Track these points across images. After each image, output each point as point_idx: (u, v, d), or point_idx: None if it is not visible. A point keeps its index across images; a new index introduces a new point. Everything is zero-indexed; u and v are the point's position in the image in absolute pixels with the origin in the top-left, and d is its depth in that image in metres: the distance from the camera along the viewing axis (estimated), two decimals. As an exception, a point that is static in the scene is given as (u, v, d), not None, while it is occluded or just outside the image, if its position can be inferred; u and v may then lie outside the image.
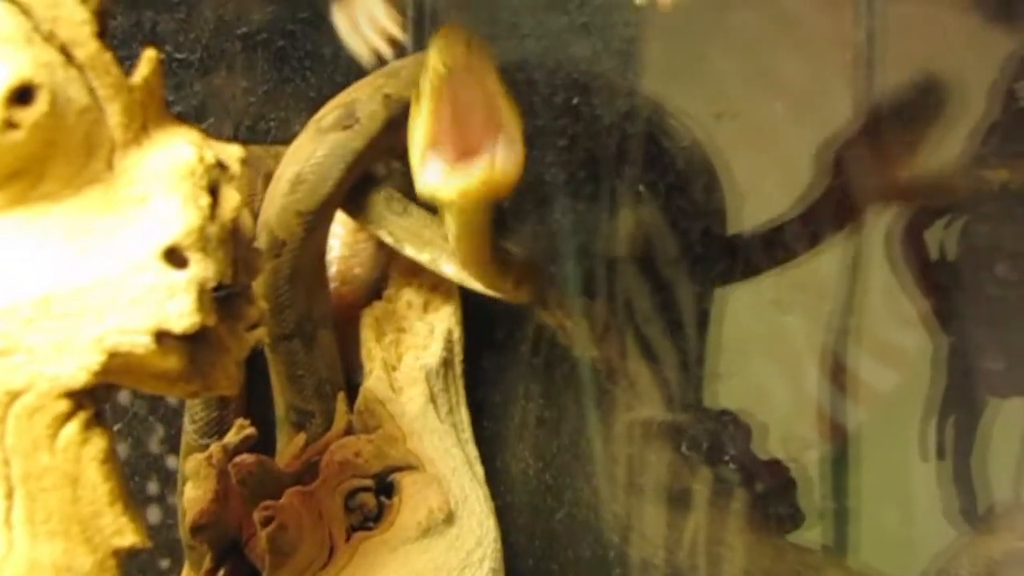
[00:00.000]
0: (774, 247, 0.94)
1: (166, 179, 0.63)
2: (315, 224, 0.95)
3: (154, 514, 1.19)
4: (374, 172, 0.99)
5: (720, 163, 0.95)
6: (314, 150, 0.95)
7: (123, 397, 1.16)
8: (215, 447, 0.92)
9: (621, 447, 0.99)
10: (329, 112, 0.96)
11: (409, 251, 0.97)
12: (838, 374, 0.97)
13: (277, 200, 0.94)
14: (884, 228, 0.95)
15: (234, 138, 1.09)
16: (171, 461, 1.21)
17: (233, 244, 0.66)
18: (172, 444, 1.20)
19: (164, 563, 1.15)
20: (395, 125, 0.93)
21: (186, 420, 1.02)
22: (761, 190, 0.96)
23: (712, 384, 0.98)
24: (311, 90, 1.07)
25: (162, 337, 0.61)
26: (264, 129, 1.07)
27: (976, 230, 0.90)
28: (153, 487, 1.21)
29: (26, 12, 0.61)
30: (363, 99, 0.96)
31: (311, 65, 1.10)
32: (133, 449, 1.18)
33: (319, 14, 1.10)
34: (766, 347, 0.96)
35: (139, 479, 1.18)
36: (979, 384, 0.94)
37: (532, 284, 0.95)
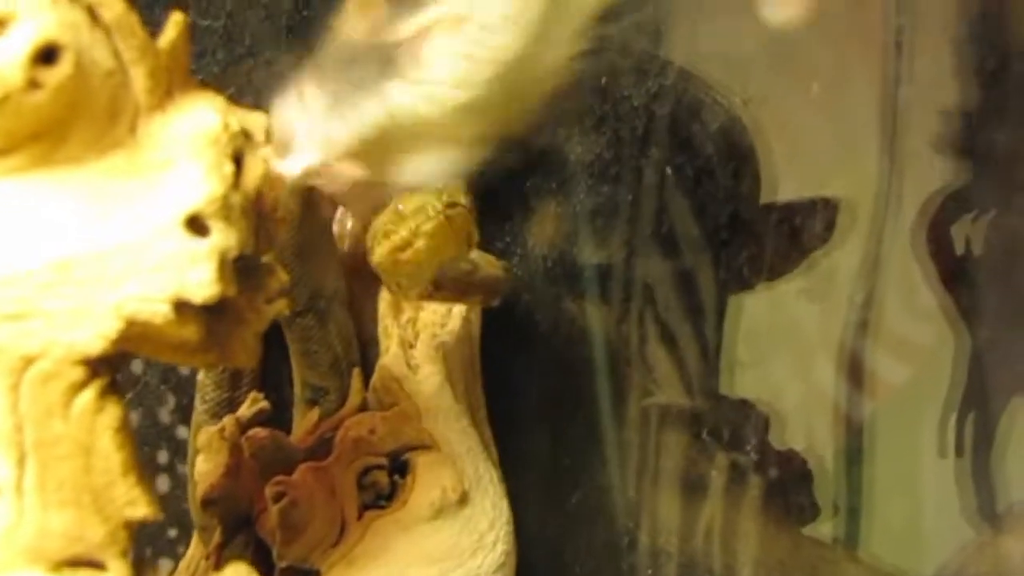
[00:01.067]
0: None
1: (190, 145, 0.62)
2: (312, 199, 0.94)
3: (163, 484, 1.19)
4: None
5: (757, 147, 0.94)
6: None
7: (135, 366, 1.15)
8: (228, 419, 0.92)
9: (638, 432, 0.99)
10: None
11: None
12: (858, 367, 0.96)
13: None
14: (910, 220, 0.94)
15: (256, 107, 1.08)
16: (182, 431, 1.21)
17: (256, 214, 0.65)
18: (183, 414, 1.19)
19: (172, 532, 1.14)
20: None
21: (197, 399, 1.01)
22: (787, 180, 0.95)
23: (731, 373, 0.97)
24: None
25: (181, 306, 0.60)
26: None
27: (1004, 227, 0.89)
28: (163, 456, 1.21)
29: (52, -30, 0.60)
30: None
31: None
32: (144, 418, 1.18)
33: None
34: (788, 337, 0.95)
35: (149, 448, 1.17)
36: (1000, 381, 0.93)
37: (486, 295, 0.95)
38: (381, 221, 0.84)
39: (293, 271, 0.91)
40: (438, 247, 0.82)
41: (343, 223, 1.04)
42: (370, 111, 0.69)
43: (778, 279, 0.93)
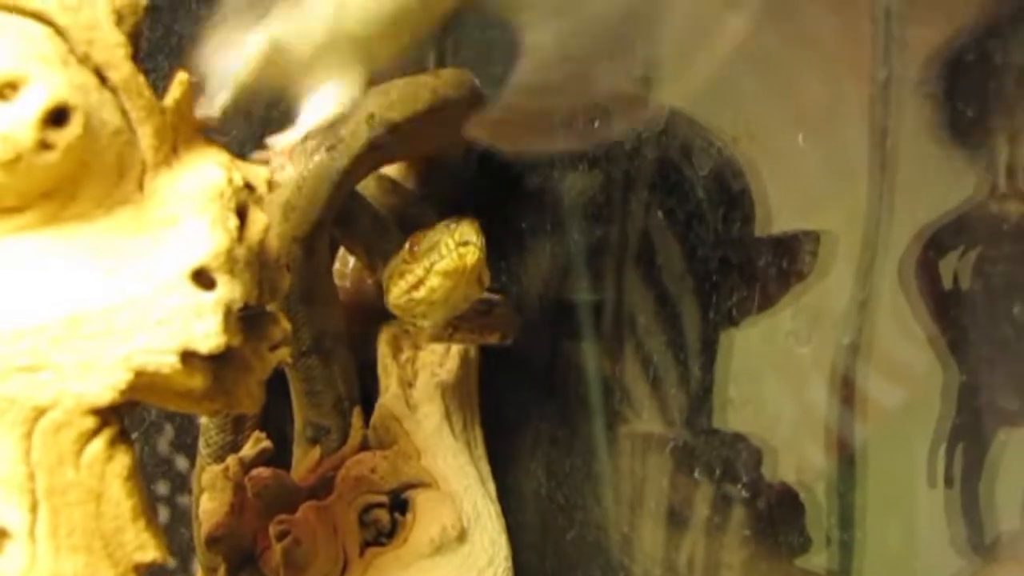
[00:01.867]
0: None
1: (195, 201, 0.64)
2: (313, 246, 0.96)
3: (163, 515, 1.20)
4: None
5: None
6: (300, 174, 0.96)
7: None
8: (232, 459, 0.93)
9: (632, 468, 1.00)
10: (312, 132, 0.97)
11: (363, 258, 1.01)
12: (849, 400, 0.97)
13: (273, 229, 0.94)
14: (897, 254, 0.96)
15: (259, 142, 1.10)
16: (180, 462, 1.22)
17: (259, 265, 0.67)
18: (181, 444, 1.21)
19: (169, 565, 1.15)
20: (378, 144, 0.95)
21: (200, 443, 1.03)
22: (780, 216, 0.96)
23: (723, 410, 0.98)
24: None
25: (188, 357, 0.62)
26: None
27: (992, 264, 0.90)
28: (163, 488, 1.22)
29: (62, 34, 0.62)
30: (346, 118, 0.97)
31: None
32: (142, 449, 1.19)
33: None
34: (778, 375, 0.96)
35: (148, 480, 1.18)
36: (989, 413, 0.94)
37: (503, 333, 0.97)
38: (395, 262, 0.86)
39: (297, 314, 0.93)
40: (452, 285, 0.83)
41: (344, 262, 1.06)
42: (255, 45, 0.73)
43: (763, 313, 0.95)
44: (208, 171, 0.65)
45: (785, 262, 0.94)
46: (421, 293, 0.84)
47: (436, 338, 0.94)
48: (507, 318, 0.97)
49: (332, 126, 0.97)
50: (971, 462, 0.95)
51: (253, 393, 0.68)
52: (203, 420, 1.03)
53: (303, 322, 0.96)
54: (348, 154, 0.95)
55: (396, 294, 0.86)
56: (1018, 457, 0.93)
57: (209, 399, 0.65)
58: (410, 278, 0.84)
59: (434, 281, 0.83)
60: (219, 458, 0.99)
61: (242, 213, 0.66)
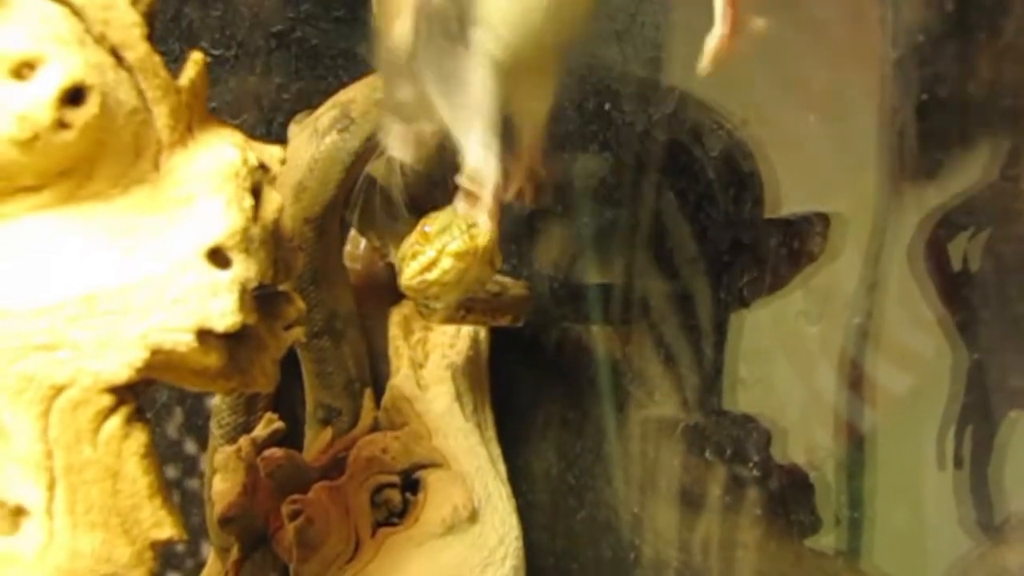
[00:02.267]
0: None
1: (211, 181, 0.64)
2: (325, 227, 0.97)
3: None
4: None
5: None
6: (312, 155, 0.96)
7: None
8: (244, 440, 0.94)
9: (642, 448, 1.00)
10: (325, 113, 0.97)
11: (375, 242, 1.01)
12: (857, 382, 0.98)
13: (285, 209, 0.95)
14: (907, 236, 0.96)
15: (267, 135, 1.10)
16: (189, 446, 1.23)
17: (273, 244, 0.68)
18: (191, 428, 1.21)
19: (179, 547, 1.16)
20: None
21: (212, 424, 1.03)
22: (789, 198, 0.97)
23: (733, 391, 0.99)
24: (344, 88, 1.07)
25: (204, 335, 0.63)
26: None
27: (1002, 244, 0.90)
28: (172, 472, 1.23)
29: (78, 14, 0.62)
30: (358, 99, 0.97)
31: (344, 64, 1.12)
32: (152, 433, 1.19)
33: (354, 13, 1.11)
34: (787, 355, 0.97)
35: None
36: (998, 395, 0.94)
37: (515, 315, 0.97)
38: (407, 243, 0.86)
39: (309, 295, 0.94)
40: (464, 266, 0.84)
41: (356, 244, 1.06)
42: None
43: (774, 294, 0.95)
44: (223, 151, 0.66)
45: (796, 243, 0.94)
46: (434, 275, 0.85)
47: (449, 320, 0.94)
48: (519, 300, 0.97)
49: (343, 105, 0.97)
50: (980, 443, 0.95)
51: (268, 372, 0.69)
52: (215, 401, 1.03)
53: (314, 303, 0.97)
54: (360, 135, 0.95)
55: (409, 275, 0.86)
56: (1028, 439, 0.93)
57: (224, 377, 0.66)
58: (423, 259, 0.85)
59: (446, 263, 0.84)
60: (231, 439, 0.99)
61: (256, 192, 0.66)
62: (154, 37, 0.66)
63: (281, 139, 1.05)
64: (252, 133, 0.72)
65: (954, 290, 0.94)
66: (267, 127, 1.12)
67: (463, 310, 0.92)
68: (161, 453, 1.18)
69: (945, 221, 0.94)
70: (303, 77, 1.13)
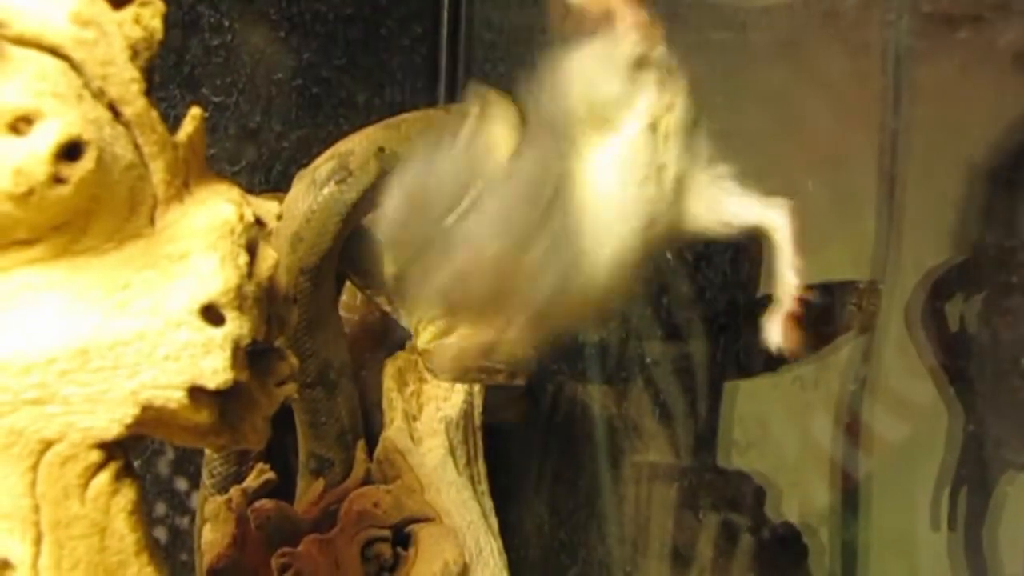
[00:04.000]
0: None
1: (206, 237, 0.64)
2: (320, 278, 0.97)
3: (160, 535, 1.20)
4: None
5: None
6: (309, 206, 0.96)
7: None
8: (235, 490, 0.93)
9: (636, 506, 1.00)
10: (323, 164, 0.98)
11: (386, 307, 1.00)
12: (854, 442, 0.97)
13: (281, 260, 0.94)
14: (903, 297, 0.96)
15: (266, 182, 1.10)
16: (179, 482, 1.22)
17: (268, 300, 0.67)
18: (180, 466, 1.21)
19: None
20: (387, 178, 0.95)
21: (204, 473, 1.03)
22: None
23: (728, 452, 0.98)
24: (343, 136, 1.07)
25: (195, 393, 0.62)
26: (296, 174, 1.08)
27: (999, 315, 0.90)
28: (161, 509, 1.22)
29: (77, 69, 0.62)
30: (357, 151, 0.97)
31: (345, 112, 1.12)
32: (142, 470, 1.19)
33: (354, 61, 1.11)
34: (784, 417, 0.97)
35: (147, 501, 1.18)
36: (993, 457, 0.94)
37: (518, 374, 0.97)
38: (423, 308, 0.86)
39: (303, 345, 0.94)
40: (480, 331, 0.83)
41: (352, 294, 1.06)
42: None
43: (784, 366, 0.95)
44: (219, 207, 0.65)
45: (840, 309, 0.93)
46: (453, 338, 0.85)
47: (457, 379, 0.94)
48: (524, 360, 0.97)
49: (342, 156, 0.97)
50: (974, 506, 0.95)
51: (258, 429, 0.68)
52: (207, 451, 1.03)
53: (308, 354, 0.96)
54: (358, 187, 0.95)
55: (427, 338, 0.86)
56: (1022, 503, 0.93)
57: (215, 434, 0.66)
58: (441, 323, 0.85)
59: (465, 328, 0.83)
60: (223, 488, 0.99)
61: (252, 249, 0.66)
62: (154, 84, 0.66)
63: (280, 186, 1.05)
64: (251, 179, 0.72)
65: (951, 352, 0.94)
66: (266, 174, 1.12)
67: (474, 371, 0.92)
68: (151, 488, 1.19)
69: (942, 283, 0.94)
70: (303, 125, 1.13)
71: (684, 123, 0.73)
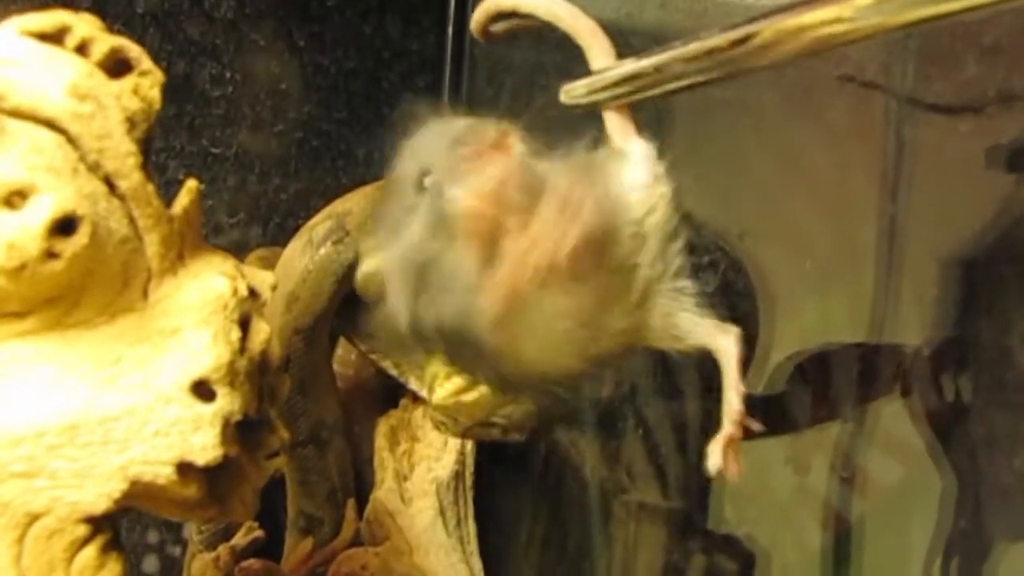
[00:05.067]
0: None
1: (199, 312, 0.64)
2: (314, 338, 0.97)
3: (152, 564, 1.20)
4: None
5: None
6: (305, 266, 0.96)
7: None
8: (223, 548, 0.93)
9: (625, 572, 1.00)
10: (320, 223, 0.98)
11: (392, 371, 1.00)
12: (845, 509, 0.97)
13: (275, 319, 0.95)
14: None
15: (263, 235, 1.10)
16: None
17: (259, 374, 0.67)
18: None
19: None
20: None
21: (192, 530, 1.03)
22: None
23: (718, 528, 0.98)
24: (343, 190, 1.07)
25: (184, 468, 0.62)
26: (294, 227, 1.08)
27: (995, 407, 0.90)
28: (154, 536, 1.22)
29: (74, 142, 0.62)
30: (354, 211, 0.97)
31: (344, 165, 1.12)
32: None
33: (355, 115, 1.11)
34: (773, 497, 0.96)
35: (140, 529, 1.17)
36: (988, 527, 0.94)
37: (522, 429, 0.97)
38: (438, 364, 0.86)
39: (296, 404, 0.94)
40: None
41: (347, 348, 1.06)
42: None
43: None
44: (213, 280, 0.65)
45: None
46: (471, 397, 0.85)
47: (462, 435, 0.94)
48: (528, 415, 0.97)
49: (339, 216, 0.97)
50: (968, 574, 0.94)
51: (247, 501, 0.68)
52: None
53: (300, 412, 0.96)
54: (355, 247, 0.95)
55: (443, 396, 0.86)
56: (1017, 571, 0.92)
57: (203, 508, 0.65)
58: (458, 381, 0.85)
59: (484, 387, 0.84)
60: (211, 546, 0.99)
61: (245, 322, 0.66)
62: (154, 137, 0.66)
63: (277, 239, 1.05)
64: (248, 231, 0.72)
65: (945, 422, 0.94)
66: (263, 226, 1.12)
67: (478, 426, 0.92)
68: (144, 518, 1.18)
69: (939, 350, 0.94)
70: (302, 178, 1.13)
71: (663, 228, 0.73)
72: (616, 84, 0.74)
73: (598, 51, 0.77)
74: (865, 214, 0.89)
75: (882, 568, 0.98)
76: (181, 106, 1.09)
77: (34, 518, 0.61)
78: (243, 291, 0.66)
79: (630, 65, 0.74)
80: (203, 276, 0.66)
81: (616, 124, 0.75)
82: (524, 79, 1.10)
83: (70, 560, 0.61)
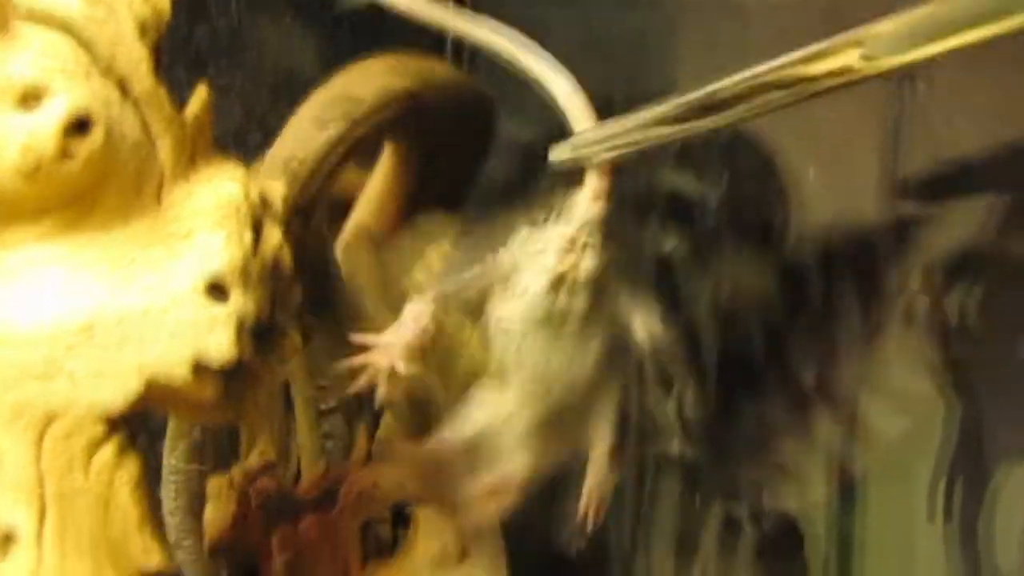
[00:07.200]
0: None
1: (212, 215, 0.65)
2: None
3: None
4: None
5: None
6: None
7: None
8: (236, 470, 0.94)
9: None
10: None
11: None
12: (852, 427, 0.97)
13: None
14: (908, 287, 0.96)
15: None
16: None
17: (272, 280, 0.68)
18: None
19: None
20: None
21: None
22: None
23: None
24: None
25: (200, 369, 0.63)
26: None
27: (1001, 303, 0.90)
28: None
29: (87, 46, 0.63)
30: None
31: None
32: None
33: (357, 46, 1.11)
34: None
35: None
36: (990, 448, 0.94)
37: None
38: None
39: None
40: None
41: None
42: None
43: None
44: (225, 185, 0.66)
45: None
46: None
47: None
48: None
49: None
50: (970, 497, 0.95)
51: (260, 405, 0.69)
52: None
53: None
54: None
55: None
56: (1018, 494, 0.93)
57: (218, 410, 0.66)
58: None
59: None
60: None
61: (257, 228, 0.67)
62: (161, 65, 0.66)
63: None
64: (256, 163, 0.73)
65: (951, 343, 0.94)
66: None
67: None
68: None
69: (943, 274, 0.94)
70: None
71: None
72: (597, 143, 0.75)
73: (576, 113, 0.77)
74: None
75: (888, 488, 0.99)
76: (187, 38, 1.09)
77: (52, 418, 0.61)
78: (255, 196, 0.67)
79: (611, 127, 0.74)
80: (215, 181, 0.66)
81: (592, 184, 0.75)
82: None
83: (88, 459, 0.62)
